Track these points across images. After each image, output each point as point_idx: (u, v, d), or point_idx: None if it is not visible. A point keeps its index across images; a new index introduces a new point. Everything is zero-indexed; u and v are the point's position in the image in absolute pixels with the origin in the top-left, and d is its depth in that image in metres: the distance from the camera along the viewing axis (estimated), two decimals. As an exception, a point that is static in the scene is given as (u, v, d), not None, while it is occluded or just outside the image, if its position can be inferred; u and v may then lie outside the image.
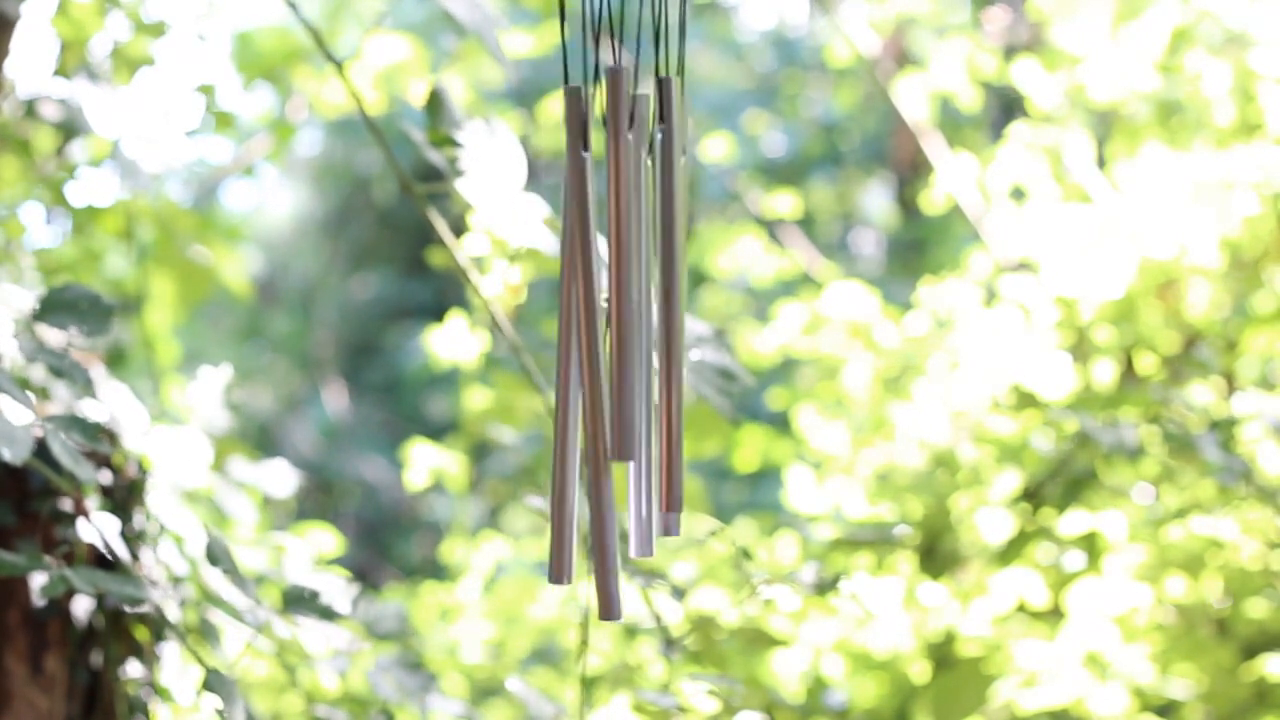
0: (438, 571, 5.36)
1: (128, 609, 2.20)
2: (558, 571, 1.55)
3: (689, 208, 1.57)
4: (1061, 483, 3.14)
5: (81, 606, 2.19)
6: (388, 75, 3.95)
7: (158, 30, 3.39)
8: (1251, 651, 3.21)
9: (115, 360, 3.62)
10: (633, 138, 1.52)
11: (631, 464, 1.54)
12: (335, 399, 9.28)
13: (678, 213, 1.55)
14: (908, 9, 4.72)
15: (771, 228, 5.91)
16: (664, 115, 1.55)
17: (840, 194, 8.44)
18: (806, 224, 7.91)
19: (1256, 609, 3.22)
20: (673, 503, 1.54)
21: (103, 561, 2.19)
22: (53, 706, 2.16)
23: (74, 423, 1.91)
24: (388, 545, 8.94)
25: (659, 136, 1.55)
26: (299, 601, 2.11)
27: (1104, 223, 3.65)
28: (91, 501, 2.18)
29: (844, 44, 4.84)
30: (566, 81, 1.53)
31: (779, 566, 3.57)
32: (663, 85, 1.55)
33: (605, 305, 1.52)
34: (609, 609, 1.54)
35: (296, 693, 2.53)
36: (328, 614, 2.11)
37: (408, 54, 3.93)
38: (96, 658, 2.21)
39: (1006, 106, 6.28)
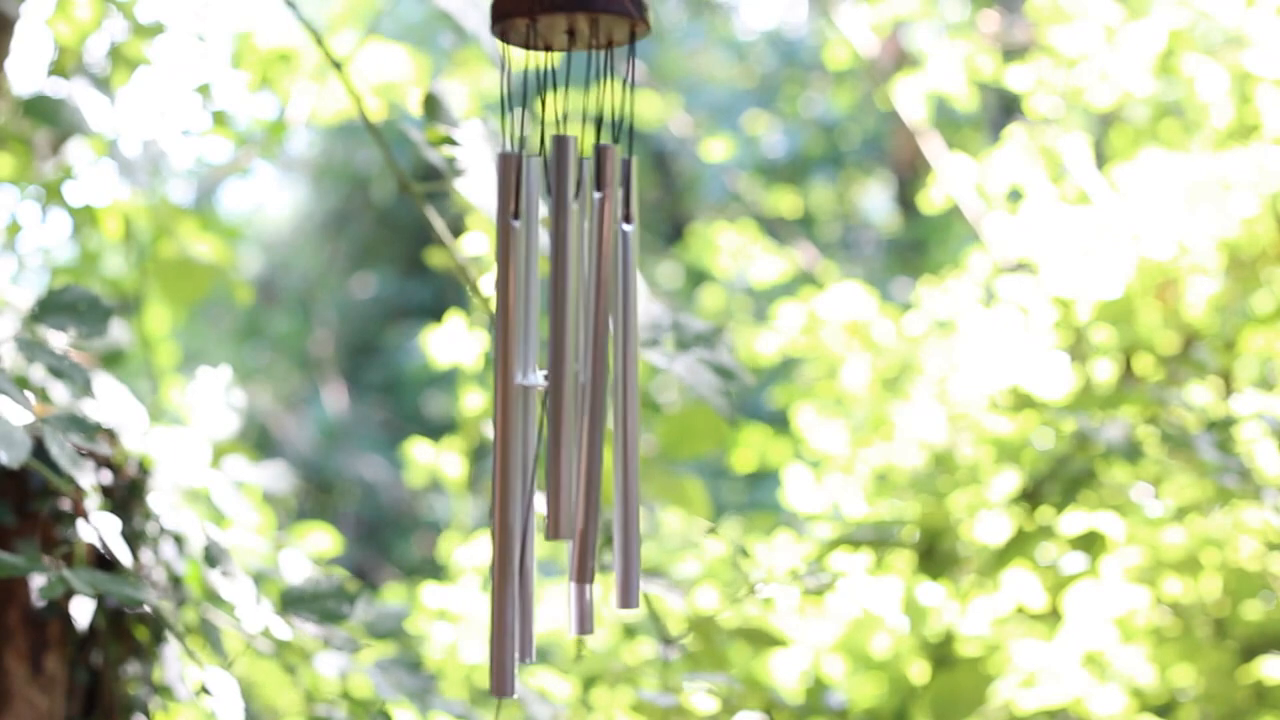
0: (437, 571, 5.36)
1: (128, 609, 2.20)
2: (499, 683, 1.49)
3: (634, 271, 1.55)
4: (1060, 483, 3.14)
5: (81, 607, 2.19)
6: (385, 86, 3.94)
7: (155, 30, 3.39)
8: (1249, 652, 3.21)
9: (115, 360, 3.62)
10: (577, 206, 1.49)
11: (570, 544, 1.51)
12: (335, 399, 9.28)
13: (631, 283, 1.53)
14: (906, 10, 4.72)
15: (771, 227, 5.91)
16: (624, 182, 1.51)
17: (840, 194, 8.44)
18: (806, 224, 7.92)
19: (1254, 610, 3.22)
20: (584, 575, 1.51)
21: (103, 562, 2.19)
22: (53, 706, 2.16)
23: (73, 423, 1.91)
24: (387, 545, 8.94)
25: (609, 204, 1.51)
26: (299, 601, 2.11)
27: (1102, 223, 3.65)
28: (91, 501, 2.18)
29: (842, 45, 4.84)
30: (506, 145, 1.50)
31: (777, 566, 3.57)
32: (601, 154, 1.51)
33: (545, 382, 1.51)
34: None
35: (296, 693, 2.53)
36: (328, 614, 2.11)
37: (405, 66, 3.92)
38: (96, 658, 2.21)
39: (1006, 107, 6.29)
